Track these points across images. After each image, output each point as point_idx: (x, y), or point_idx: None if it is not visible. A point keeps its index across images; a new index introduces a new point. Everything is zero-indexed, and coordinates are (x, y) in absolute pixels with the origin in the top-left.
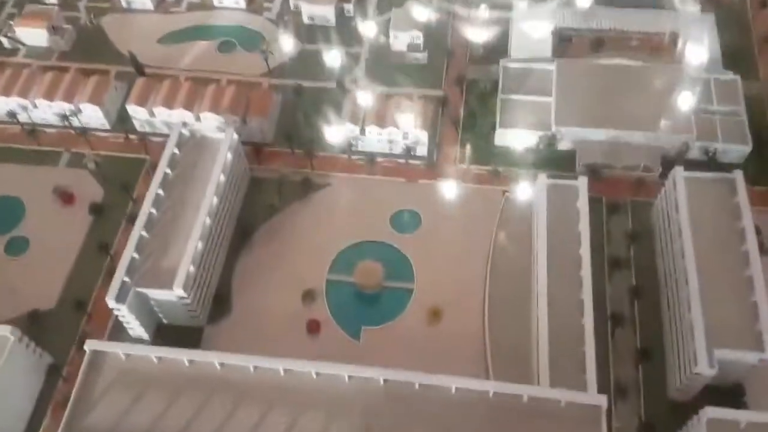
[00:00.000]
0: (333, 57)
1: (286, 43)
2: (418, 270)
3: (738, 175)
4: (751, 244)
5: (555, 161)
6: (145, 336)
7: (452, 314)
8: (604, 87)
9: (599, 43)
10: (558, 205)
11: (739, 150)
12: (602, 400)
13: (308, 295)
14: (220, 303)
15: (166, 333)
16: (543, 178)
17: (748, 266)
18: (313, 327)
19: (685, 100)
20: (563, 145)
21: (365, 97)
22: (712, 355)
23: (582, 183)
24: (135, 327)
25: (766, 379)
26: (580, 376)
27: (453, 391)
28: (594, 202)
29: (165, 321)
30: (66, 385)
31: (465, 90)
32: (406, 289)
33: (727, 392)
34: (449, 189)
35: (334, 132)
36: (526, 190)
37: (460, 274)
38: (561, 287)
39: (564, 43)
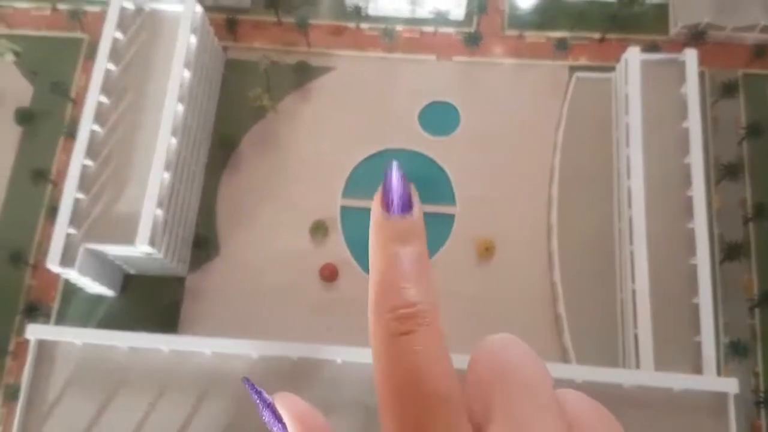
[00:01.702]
0: None
1: None
2: (460, 187)
3: None
4: None
5: (638, 23)
6: (110, 293)
7: (508, 248)
8: None
9: None
10: (654, 89)
11: None
12: (731, 386)
13: (318, 229)
14: (202, 245)
15: (137, 286)
16: (634, 52)
17: None
18: (329, 273)
19: None
20: None
21: None
22: None
23: (691, 56)
24: (94, 287)
25: None
26: (690, 355)
27: None
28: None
29: (134, 272)
30: (15, 361)
31: None
32: (445, 215)
33: None
34: (497, 67)
35: None
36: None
37: (516, 191)
38: (661, 215)
39: None
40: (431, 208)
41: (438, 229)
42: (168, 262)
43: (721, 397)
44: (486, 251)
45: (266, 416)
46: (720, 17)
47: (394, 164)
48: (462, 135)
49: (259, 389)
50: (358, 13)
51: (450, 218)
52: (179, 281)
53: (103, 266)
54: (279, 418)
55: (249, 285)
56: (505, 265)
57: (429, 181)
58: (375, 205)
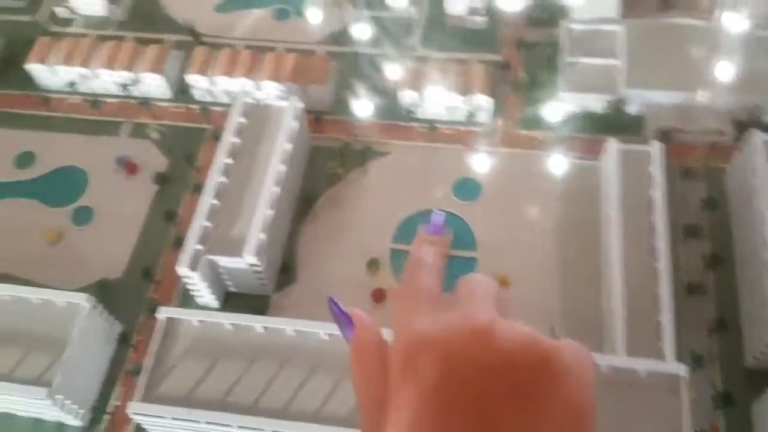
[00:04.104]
0: (387, 22)
1: (343, 10)
2: (482, 238)
3: None
4: None
5: (621, 126)
6: (214, 303)
7: (519, 283)
8: (673, 48)
9: (666, 2)
10: (629, 170)
11: None
12: (682, 369)
13: (373, 264)
14: (285, 271)
15: (234, 301)
16: (614, 143)
17: None
18: (379, 295)
19: (757, 62)
20: (631, 109)
21: (422, 62)
22: None
23: (655, 147)
24: (204, 295)
25: None
26: (655, 345)
27: None
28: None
29: (233, 289)
30: (135, 353)
31: (525, 54)
32: (469, 258)
33: None
34: (511, 155)
35: (396, 98)
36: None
37: (525, 242)
38: (634, 255)
39: (629, 3)
40: (458, 253)
41: (463, 268)
42: (263, 277)
43: (676, 378)
44: (502, 284)
45: (337, 313)
46: (682, 122)
47: (440, 211)
48: (484, 201)
49: (336, 301)
50: (409, 115)
51: (473, 261)
52: (266, 299)
53: (214, 276)
54: (348, 318)
55: (318, 303)
56: (516, 293)
57: (457, 232)
58: (420, 228)
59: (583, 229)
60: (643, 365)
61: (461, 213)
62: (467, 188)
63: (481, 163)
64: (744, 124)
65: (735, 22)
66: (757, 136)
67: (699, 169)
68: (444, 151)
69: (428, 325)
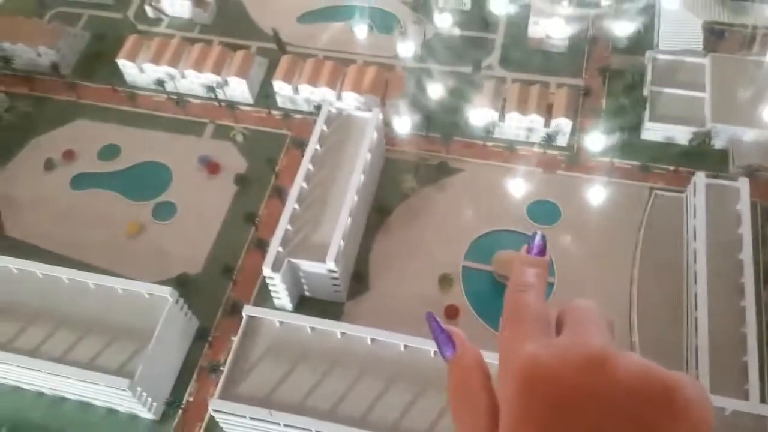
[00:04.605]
0: (469, 40)
1: (423, 27)
2: (558, 264)
3: None
4: None
5: (704, 160)
6: (289, 306)
7: None
8: (760, 85)
9: (752, 40)
10: (716, 206)
11: None
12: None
13: (445, 281)
14: (358, 281)
15: (308, 305)
16: (701, 177)
17: None
18: (452, 312)
19: None
20: (718, 144)
21: (505, 82)
22: None
23: (743, 184)
24: (282, 296)
25: None
26: (740, 386)
27: None
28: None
29: (308, 294)
30: (211, 350)
31: (608, 80)
32: (548, 284)
33: None
34: (592, 182)
35: (474, 116)
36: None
37: (603, 271)
38: (719, 293)
39: (714, 37)
40: None
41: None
42: (339, 284)
43: (762, 420)
44: None
45: (437, 331)
46: (767, 160)
47: (540, 233)
48: (561, 226)
49: (436, 318)
50: (487, 134)
51: (550, 286)
52: (339, 306)
53: (293, 279)
54: (448, 336)
55: (389, 314)
56: None
57: None
58: (522, 250)
59: (666, 263)
60: (731, 405)
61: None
62: (544, 211)
63: (559, 187)
64: None
65: None
66: None
67: None
68: (520, 173)
69: (541, 349)
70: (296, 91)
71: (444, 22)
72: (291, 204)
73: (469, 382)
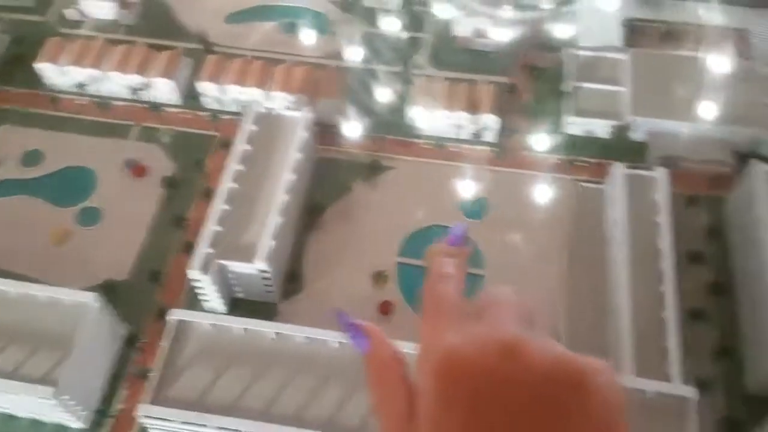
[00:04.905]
0: (397, 40)
1: (353, 26)
2: (489, 257)
3: None
4: None
5: (624, 152)
6: (222, 308)
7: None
8: (677, 79)
9: (668, 35)
10: (634, 195)
11: None
12: (691, 392)
13: (379, 278)
14: (292, 280)
15: (242, 307)
16: (619, 167)
17: None
18: (386, 308)
19: (757, 95)
20: (636, 136)
21: (430, 80)
22: None
23: (661, 173)
24: (212, 299)
25: None
26: (662, 369)
27: None
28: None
29: (240, 295)
30: (141, 356)
31: (533, 78)
32: (477, 275)
33: None
34: (519, 176)
35: (406, 114)
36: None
37: (531, 263)
38: (640, 280)
39: (632, 33)
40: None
41: (472, 285)
42: (271, 283)
43: (685, 401)
44: None
45: (348, 329)
46: (684, 151)
47: (461, 224)
48: (491, 220)
49: (344, 313)
50: (415, 131)
51: (481, 278)
52: (272, 306)
53: (223, 281)
54: (360, 332)
55: (325, 313)
56: None
57: None
58: (439, 242)
59: (589, 251)
60: (653, 386)
61: (468, 231)
62: (474, 206)
63: (488, 182)
64: (744, 155)
65: (735, 58)
66: (756, 167)
67: (702, 197)
68: (451, 169)
69: (457, 339)
70: (223, 91)
71: (375, 21)
72: (218, 204)
73: (386, 377)
